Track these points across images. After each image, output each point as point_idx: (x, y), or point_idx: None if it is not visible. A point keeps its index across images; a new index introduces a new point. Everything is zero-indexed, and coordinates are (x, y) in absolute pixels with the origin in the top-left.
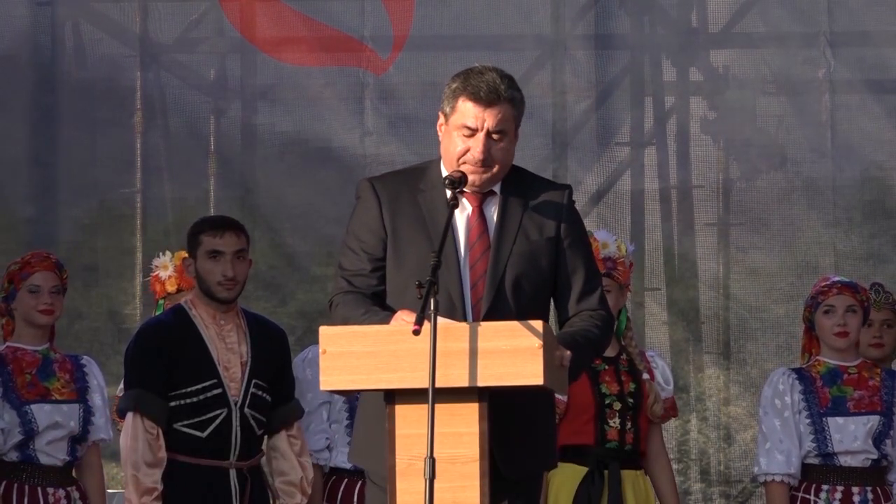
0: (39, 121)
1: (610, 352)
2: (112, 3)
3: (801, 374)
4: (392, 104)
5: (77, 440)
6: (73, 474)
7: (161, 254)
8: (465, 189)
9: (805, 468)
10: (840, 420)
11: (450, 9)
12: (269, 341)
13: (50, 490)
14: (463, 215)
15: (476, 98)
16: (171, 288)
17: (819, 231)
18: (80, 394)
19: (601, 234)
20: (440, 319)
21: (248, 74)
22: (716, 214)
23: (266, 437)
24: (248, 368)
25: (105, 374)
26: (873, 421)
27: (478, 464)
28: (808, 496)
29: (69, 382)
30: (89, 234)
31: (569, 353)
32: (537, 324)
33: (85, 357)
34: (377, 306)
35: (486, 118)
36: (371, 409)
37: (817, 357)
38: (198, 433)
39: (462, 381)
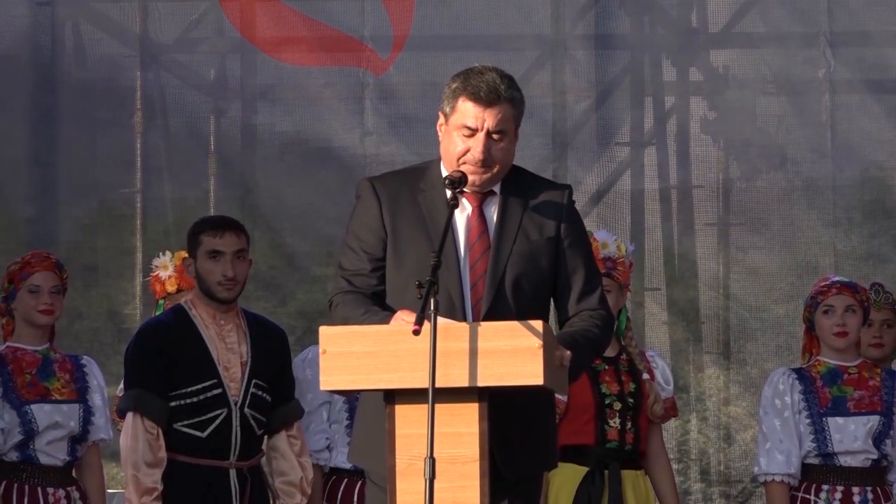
0: (39, 121)
1: (610, 352)
2: (112, 3)
3: (801, 374)
4: (392, 104)
5: (77, 440)
6: (73, 474)
7: (161, 254)
8: (465, 189)
9: (805, 468)
10: (840, 420)
11: (450, 9)
12: (269, 341)
13: (50, 490)
14: (463, 215)
15: (476, 98)
16: (171, 288)
17: (819, 231)
18: (80, 394)
19: (601, 234)
20: (440, 319)
21: (248, 74)
22: (716, 214)
23: (266, 437)
24: (248, 368)
25: (105, 374)
26: (873, 421)
27: (478, 464)
28: (808, 496)
29: (69, 382)
30: (89, 234)
31: (569, 353)
32: (537, 324)
33: (85, 357)
34: (377, 306)
35: (486, 118)
36: (371, 409)
37: (817, 357)
38: (198, 433)
39: (462, 381)
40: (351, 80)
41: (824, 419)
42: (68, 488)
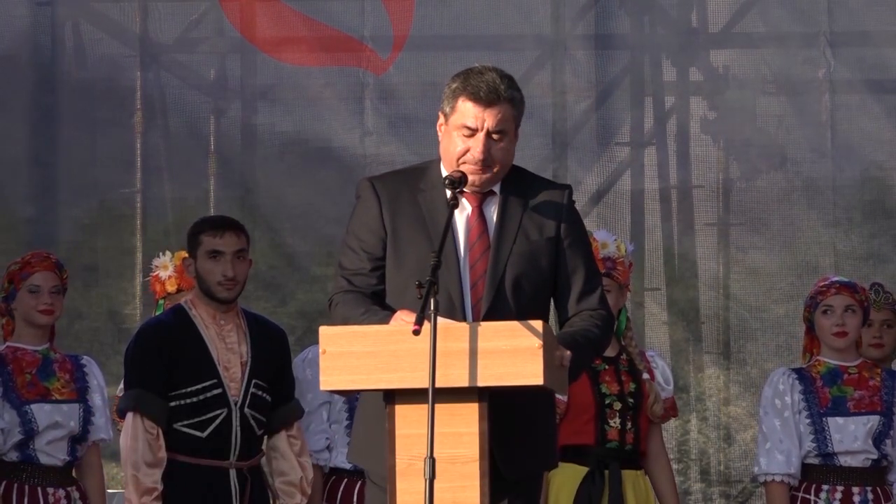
0: (39, 121)
1: (610, 352)
2: (112, 3)
3: (801, 374)
4: (392, 104)
5: (77, 440)
6: (73, 474)
7: (161, 254)
8: (464, 189)
9: (805, 468)
10: (840, 420)
11: (450, 9)
12: (269, 341)
13: (50, 490)
14: (463, 215)
15: (476, 98)
16: (171, 288)
17: (819, 231)
18: (80, 394)
19: (601, 234)
20: (440, 319)
21: (248, 74)
22: (716, 214)
23: (266, 437)
24: (248, 368)
25: (105, 374)
26: (873, 421)
27: (478, 464)
28: (808, 496)
29: (69, 382)
30: (89, 234)
31: (569, 353)
32: (537, 324)
33: (85, 357)
34: (377, 306)
35: (486, 118)
36: (371, 409)
37: (818, 357)
38: (198, 433)
39: (462, 381)
40: (351, 80)
41: (824, 419)
42: (68, 488)
